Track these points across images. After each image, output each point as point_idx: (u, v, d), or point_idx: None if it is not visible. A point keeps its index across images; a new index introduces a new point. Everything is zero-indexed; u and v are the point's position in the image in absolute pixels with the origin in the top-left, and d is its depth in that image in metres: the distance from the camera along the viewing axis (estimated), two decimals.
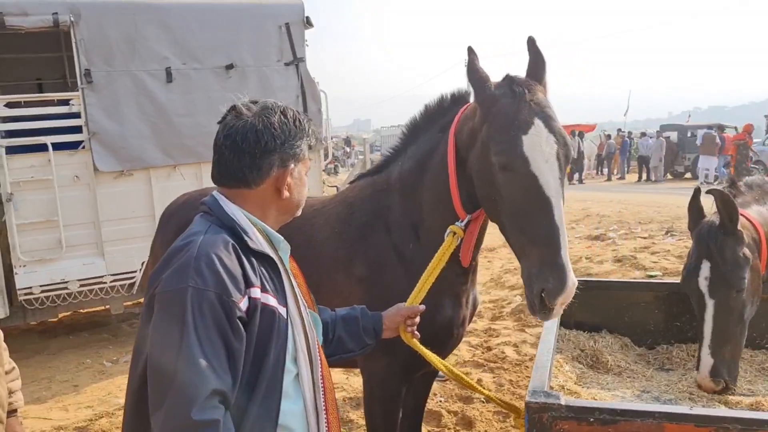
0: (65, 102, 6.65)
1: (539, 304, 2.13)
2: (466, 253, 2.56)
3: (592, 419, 1.74)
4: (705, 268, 2.83)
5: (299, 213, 1.92)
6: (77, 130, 6.57)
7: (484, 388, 5.23)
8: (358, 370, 3.16)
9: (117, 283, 6.73)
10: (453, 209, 2.55)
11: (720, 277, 2.79)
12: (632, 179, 25.99)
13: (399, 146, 2.89)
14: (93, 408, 5.45)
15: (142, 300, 5.74)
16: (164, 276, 1.58)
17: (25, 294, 6.41)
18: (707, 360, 2.73)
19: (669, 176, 25.32)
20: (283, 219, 1.86)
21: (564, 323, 3.35)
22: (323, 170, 8.99)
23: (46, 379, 6.19)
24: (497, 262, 10.22)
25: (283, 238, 1.85)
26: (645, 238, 10.44)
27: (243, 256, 1.65)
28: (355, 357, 2.27)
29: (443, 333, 2.77)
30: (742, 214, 2.98)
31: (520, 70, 2.38)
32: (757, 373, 3.02)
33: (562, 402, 1.76)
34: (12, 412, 2.06)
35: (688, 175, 24.64)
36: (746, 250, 2.81)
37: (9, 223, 6.32)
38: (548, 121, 2.20)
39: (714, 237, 2.82)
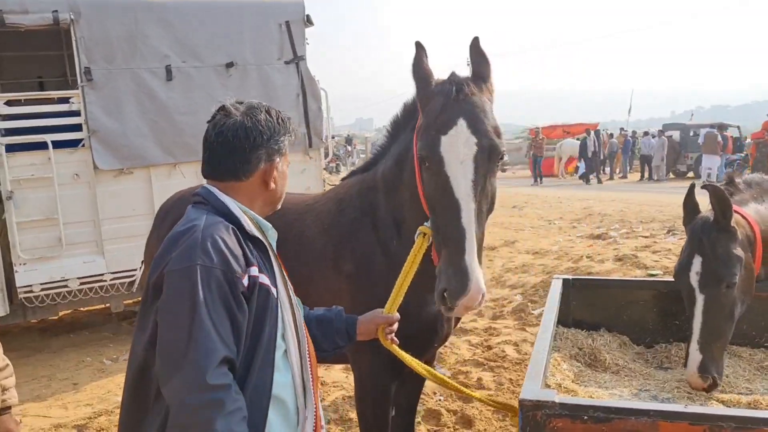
0: (65, 100, 6.65)
1: (440, 302, 2.14)
2: (436, 254, 2.52)
3: (586, 417, 1.72)
4: (696, 263, 2.83)
5: (279, 206, 2.03)
6: (77, 128, 6.58)
7: (474, 390, 5.26)
8: None
9: (117, 282, 6.73)
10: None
11: (711, 273, 2.78)
12: (635, 178, 25.95)
13: (384, 144, 2.94)
14: (92, 406, 5.45)
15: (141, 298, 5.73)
16: (172, 256, 1.69)
17: (26, 292, 6.42)
18: (695, 356, 2.72)
19: (671, 175, 25.28)
20: (265, 210, 1.98)
21: (562, 321, 3.34)
22: (324, 169, 8.98)
23: (45, 377, 6.20)
24: (498, 261, 10.21)
25: (270, 225, 1.97)
26: (646, 237, 10.42)
27: (241, 239, 1.80)
28: (327, 357, 2.30)
29: (428, 330, 2.80)
30: (737, 212, 2.97)
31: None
32: (755, 372, 3.00)
33: (556, 400, 1.75)
34: (5, 409, 2.06)
35: (691, 174, 24.59)
36: (739, 247, 2.80)
37: (9, 221, 6.33)
38: (473, 121, 2.18)
39: (707, 232, 2.82)
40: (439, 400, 5.09)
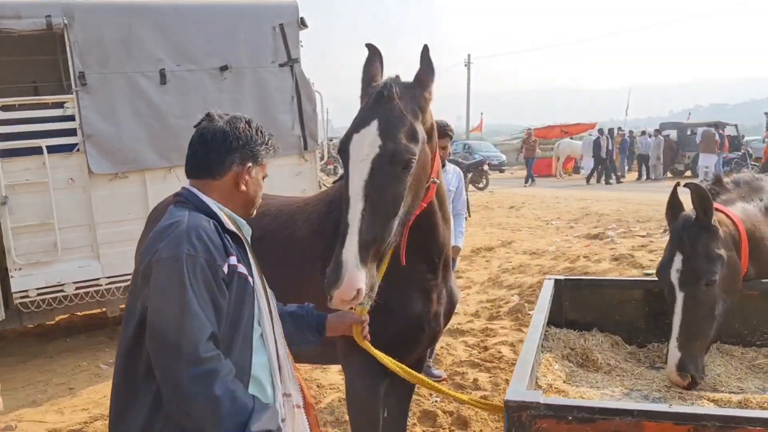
0: (60, 105, 6.64)
1: (326, 289, 2.17)
2: (401, 252, 2.55)
3: (570, 418, 1.72)
4: (677, 261, 2.86)
5: (254, 213, 2.20)
6: (72, 132, 6.56)
7: (470, 391, 5.25)
8: None
9: (113, 286, 6.72)
10: None
11: (691, 271, 2.81)
12: (632, 178, 25.96)
13: None
14: (88, 411, 5.44)
15: None
16: (160, 246, 1.86)
17: (21, 297, 6.41)
18: (675, 353, 2.74)
19: (669, 174, 25.27)
20: (240, 213, 2.14)
21: (554, 322, 3.34)
22: (321, 171, 8.98)
23: (42, 382, 6.19)
24: (495, 261, 10.21)
25: (245, 222, 2.16)
26: (643, 236, 10.43)
27: (221, 232, 1.99)
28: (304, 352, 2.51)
29: (415, 326, 2.82)
30: (722, 211, 3.00)
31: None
32: (747, 371, 3.00)
33: (541, 401, 1.75)
34: None
35: (689, 173, 24.59)
36: (721, 246, 2.82)
37: (4, 226, 6.32)
38: (385, 125, 2.22)
39: (688, 231, 2.85)
40: (435, 401, 5.09)
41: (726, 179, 3.34)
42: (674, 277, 2.86)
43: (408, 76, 2.45)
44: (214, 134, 2.05)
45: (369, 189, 2.18)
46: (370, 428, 2.97)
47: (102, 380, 6.11)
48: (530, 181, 25.08)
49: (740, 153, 23.91)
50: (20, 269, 6.38)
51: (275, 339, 2.10)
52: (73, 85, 6.52)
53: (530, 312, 7.18)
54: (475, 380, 5.53)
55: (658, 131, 26.12)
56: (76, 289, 6.60)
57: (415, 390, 5.29)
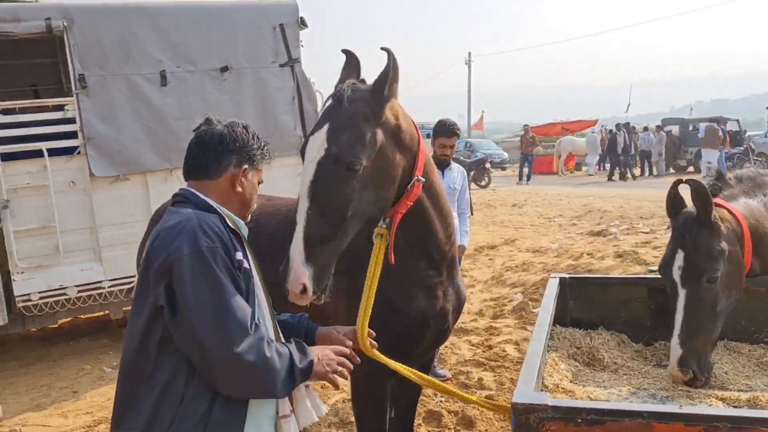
0: (60, 108, 6.62)
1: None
2: (390, 252, 2.55)
3: (579, 420, 1.70)
4: (679, 258, 2.85)
5: (248, 217, 2.24)
6: (72, 135, 6.55)
7: (474, 390, 5.23)
8: None
9: (115, 288, 6.71)
10: None
11: (692, 267, 2.80)
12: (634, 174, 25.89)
13: None
14: (92, 414, 5.43)
15: None
16: (176, 244, 1.89)
17: (24, 301, 6.39)
18: (676, 350, 2.73)
19: (672, 170, 25.20)
20: (237, 214, 2.16)
21: (560, 321, 3.31)
22: None
23: (45, 386, 6.18)
24: (498, 259, 10.19)
25: (243, 222, 2.19)
26: (646, 233, 10.40)
27: (227, 227, 2.05)
28: None
29: (420, 324, 2.83)
30: (723, 206, 2.98)
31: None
32: (755, 368, 2.97)
33: (549, 403, 1.72)
34: None
35: (691, 168, 24.54)
36: (723, 242, 2.80)
37: (6, 230, 6.30)
38: (334, 130, 2.28)
39: (689, 227, 2.84)
40: (440, 401, 5.07)
41: (729, 175, 3.32)
42: (676, 274, 2.85)
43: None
44: (211, 136, 2.12)
45: (314, 189, 2.24)
46: (377, 427, 2.98)
47: (106, 383, 6.09)
48: (525, 178, 24.87)
49: (742, 148, 23.82)
50: (22, 273, 6.37)
51: (275, 332, 2.16)
52: (74, 87, 6.50)
53: (534, 310, 7.16)
54: (480, 379, 5.50)
55: (660, 127, 26.04)
56: (79, 292, 6.58)
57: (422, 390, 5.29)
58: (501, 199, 18.67)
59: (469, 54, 52.24)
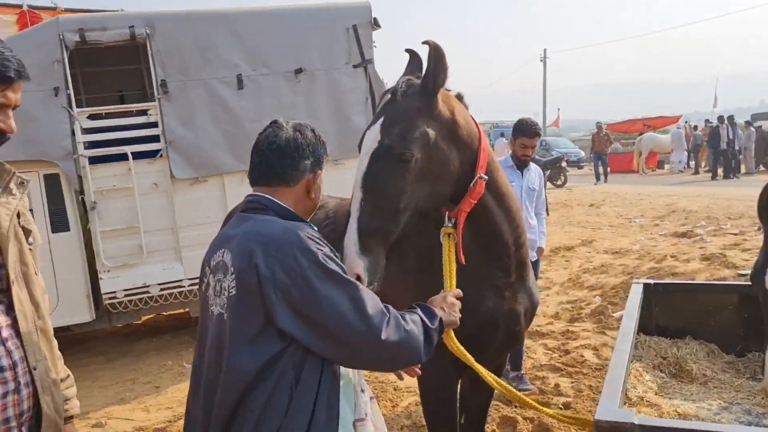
0: (143, 112, 6.89)
1: None
2: (459, 252, 2.55)
3: None
4: None
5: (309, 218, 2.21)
6: (155, 139, 6.79)
7: (551, 397, 5.06)
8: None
9: (195, 287, 6.89)
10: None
11: None
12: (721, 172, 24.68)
13: None
14: (173, 409, 5.59)
15: None
16: (290, 260, 1.84)
17: (110, 298, 6.67)
18: None
19: (762, 168, 23.88)
20: (303, 215, 2.13)
21: (644, 329, 3.15)
22: None
23: (129, 381, 6.42)
24: (575, 261, 9.90)
25: (316, 228, 2.16)
26: (735, 234, 9.87)
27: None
28: None
29: (486, 325, 2.80)
30: None
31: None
32: None
33: (636, 421, 1.61)
34: (68, 419, 2.11)
35: None
36: None
37: (93, 231, 6.60)
38: (387, 123, 2.31)
39: None
40: (515, 407, 4.94)
41: None
42: None
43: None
44: (286, 141, 2.06)
45: (367, 181, 2.27)
46: (445, 428, 2.96)
47: (186, 379, 6.25)
48: (602, 178, 23.97)
49: None
50: (108, 271, 6.65)
51: None
52: (156, 92, 6.74)
53: (614, 314, 6.91)
54: (557, 385, 5.34)
55: (749, 123, 24.73)
56: (161, 290, 6.82)
57: (495, 395, 5.17)
58: (577, 199, 18.17)
59: (545, 51, 51.18)
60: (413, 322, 2.01)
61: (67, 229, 6.69)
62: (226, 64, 6.92)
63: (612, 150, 27.29)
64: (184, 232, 6.82)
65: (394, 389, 5.51)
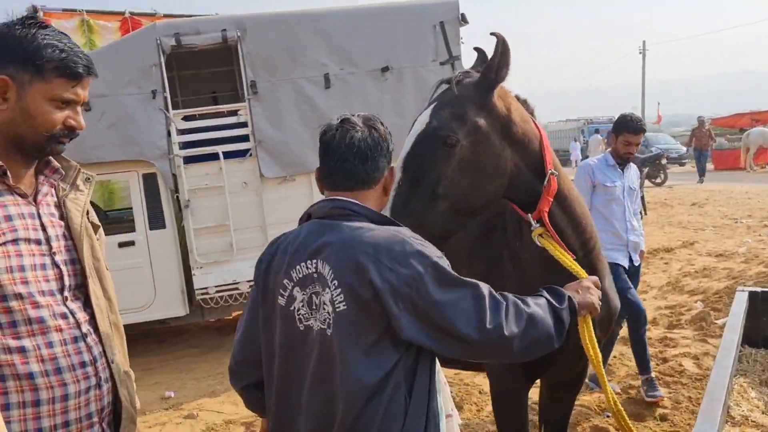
0: (234, 113, 7.07)
1: None
2: (561, 246, 2.47)
3: None
4: None
5: None
6: (245, 139, 6.96)
7: (646, 407, 4.77)
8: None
9: None
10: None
11: None
12: None
13: None
14: None
15: None
16: (407, 269, 1.75)
17: (202, 294, 6.89)
18: None
19: None
20: None
21: (750, 341, 2.90)
22: None
23: (220, 374, 6.59)
24: (675, 264, 9.38)
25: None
26: None
27: None
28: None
29: None
30: None
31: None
32: None
33: None
34: None
35: None
36: None
37: (187, 228, 6.85)
38: (439, 107, 2.29)
39: None
40: (607, 417, 4.71)
41: None
42: None
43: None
44: (365, 142, 1.93)
45: (408, 161, 2.22)
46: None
47: None
48: (700, 176, 22.54)
49: None
50: (201, 267, 6.87)
51: None
52: (246, 93, 6.90)
53: (717, 321, 6.48)
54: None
55: None
56: (250, 287, 6.95)
57: (586, 403, 4.95)
58: (679, 198, 17.28)
59: (644, 43, 49.10)
60: (537, 305, 1.94)
61: (163, 226, 6.97)
62: (313, 64, 6.99)
63: (717, 146, 25.79)
64: (272, 230, 6.94)
65: (480, 392, 5.38)
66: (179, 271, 7.05)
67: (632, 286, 5.04)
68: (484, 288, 1.85)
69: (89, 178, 2.03)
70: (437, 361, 2.01)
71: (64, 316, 1.78)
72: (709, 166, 23.54)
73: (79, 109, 1.82)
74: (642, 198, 5.67)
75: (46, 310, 1.73)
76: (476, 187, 2.30)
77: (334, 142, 1.94)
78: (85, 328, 1.84)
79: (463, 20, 7.31)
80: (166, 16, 9.43)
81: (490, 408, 5.09)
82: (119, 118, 6.67)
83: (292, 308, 1.88)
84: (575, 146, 32.51)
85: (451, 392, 5.40)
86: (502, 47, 2.25)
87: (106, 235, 6.31)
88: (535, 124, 2.49)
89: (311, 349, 1.84)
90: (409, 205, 2.17)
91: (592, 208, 5.00)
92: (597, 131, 30.00)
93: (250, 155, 6.96)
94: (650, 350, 6.08)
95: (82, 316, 1.84)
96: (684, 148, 29.75)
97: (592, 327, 2.29)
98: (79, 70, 1.77)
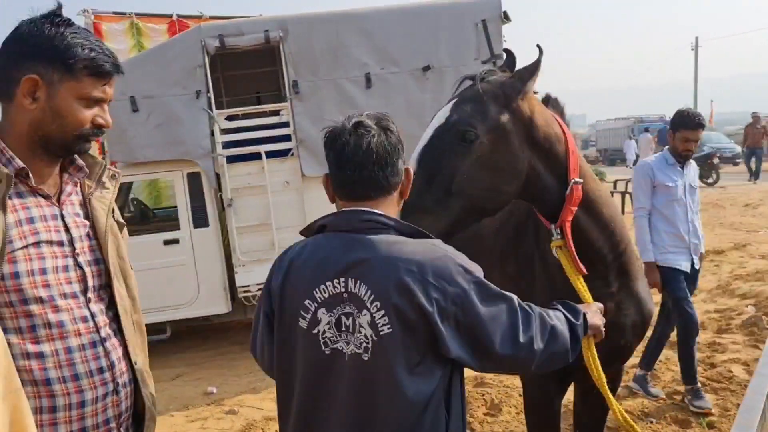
0: (276, 112, 7.14)
1: None
2: (576, 263, 2.41)
3: None
4: None
5: None
6: (287, 138, 7.02)
7: (690, 414, 4.62)
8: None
9: None
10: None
11: None
12: None
13: None
14: None
15: None
16: (453, 287, 1.69)
17: (244, 291, 6.99)
18: None
19: None
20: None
21: None
22: None
23: (261, 371, 6.63)
24: (725, 266, 9.10)
25: None
26: None
27: None
28: None
29: None
30: None
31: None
32: None
33: None
34: None
35: None
36: None
37: (230, 227, 6.95)
38: (459, 102, 2.24)
39: None
40: (651, 422, 4.60)
41: None
42: None
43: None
44: (383, 147, 1.78)
45: (424, 155, 2.18)
46: None
47: None
48: (753, 177, 21.29)
49: None
50: (243, 266, 6.96)
51: None
52: (288, 93, 6.97)
53: None
54: None
55: None
56: None
57: (628, 408, 4.83)
58: (731, 198, 16.74)
59: (696, 39, 47.75)
60: (557, 318, 1.90)
61: (206, 225, 7.09)
62: (354, 63, 7.01)
63: None
64: None
65: (519, 395, 5.30)
66: (222, 269, 7.17)
67: (689, 295, 4.87)
68: (515, 300, 1.81)
69: (115, 175, 1.99)
70: None
71: (84, 320, 1.77)
72: (766, 165, 22.60)
73: (106, 107, 1.81)
74: None
75: (66, 313, 1.73)
76: (491, 189, 2.25)
77: (349, 149, 1.79)
78: (104, 332, 1.82)
79: (506, 18, 7.22)
80: (212, 18, 9.58)
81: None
82: (165, 118, 6.81)
83: (315, 331, 1.76)
84: (630, 145, 31.21)
85: (491, 394, 5.37)
86: (540, 60, 2.24)
87: (152, 233, 6.47)
88: (562, 127, 2.42)
89: (341, 375, 1.74)
90: (422, 200, 2.12)
91: (652, 210, 4.88)
92: (647, 130, 29.31)
93: (292, 154, 7.01)
94: (698, 355, 5.91)
95: (102, 319, 1.83)
96: (738, 148, 28.73)
97: (594, 347, 2.29)
98: (109, 69, 1.76)
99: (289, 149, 7.03)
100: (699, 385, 4.96)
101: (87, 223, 1.86)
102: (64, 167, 1.86)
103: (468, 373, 1.97)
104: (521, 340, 1.76)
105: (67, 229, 1.79)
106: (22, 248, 1.66)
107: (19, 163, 1.69)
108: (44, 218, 1.74)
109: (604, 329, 2.12)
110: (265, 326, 1.94)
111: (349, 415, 1.73)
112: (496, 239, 3.00)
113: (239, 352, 7.38)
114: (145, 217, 8.37)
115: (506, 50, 2.58)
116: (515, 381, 5.52)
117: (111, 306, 1.90)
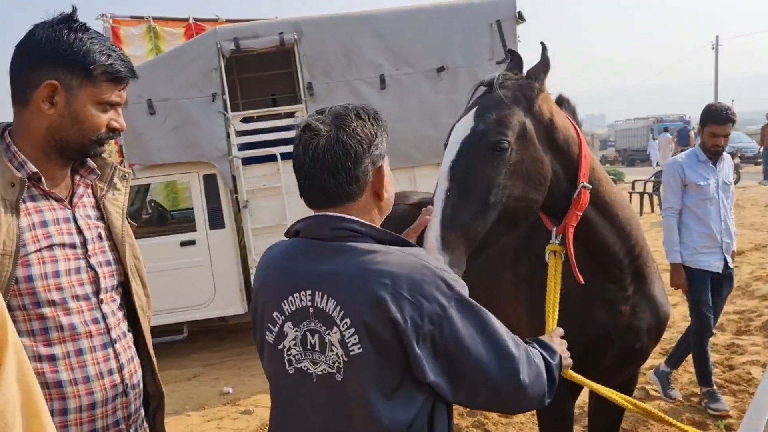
0: (291, 114, 7.17)
1: None
2: (575, 271, 2.34)
3: None
4: None
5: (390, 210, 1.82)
6: None
7: (709, 417, 4.58)
8: None
9: None
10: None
11: None
12: None
13: None
14: None
15: None
16: (430, 297, 1.52)
17: None
18: None
19: None
20: (379, 220, 1.75)
21: None
22: None
23: None
24: (745, 267, 9.00)
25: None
26: None
27: None
28: None
29: (597, 338, 2.60)
30: None
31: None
32: None
33: None
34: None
35: None
36: None
37: (245, 228, 7.00)
38: (482, 110, 2.15)
39: None
40: (666, 429, 4.54)
41: None
42: None
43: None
44: (331, 151, 1.59)
45: (455, 170, 2.07)
46: None
47: None
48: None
49: None
50: None
51: None
52: (302, 95, 6.99)
53: None
54: None
55: None
56: None
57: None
58: (752, 198, 16.54)
59: (717, 38, 47.19)
60: (536, 356, 1.72)
61: (222, 226, 7.14)
62: (369, 65, 7.02)
63: None
64: None
65: None
66: (238, 270, 7.21)
67: (710, 299, 4.80)
68: (501, 326, 1.64)
69: (125, 176, 2.00)
70: None
71: (95, 321, 1.79)
72: None
73: (120, 110, 1.82)
74: None
75: (78, 316, 1.74)
76: (522, 197, 2.16)
77: (299, 155, 1.65)
78: (115, 333, 1.84)
79: (520, 18, 7.19)
80: (228, 21, 9.64)
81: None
82: (182, 120, 6.88)
83: (281, 347, 1.63)
84: (654, 145, 30.64)
85: None
86: (544, 55, 2.23)
87: (169, 234, 6.55)
88: (576, 128, 2.38)
89: (309, 396, 1.61)
90: (460, 217, 2.02)
91: (684, 208, 4.79)
92: (666, 130, 29.05)
93: None
94: (716, 357, 5.87)
95: (113, 320, 1.84)
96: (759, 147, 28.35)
97: (573, 373, 2.17)
98: (125, 74, 1.78)
99: None
100: (715, 387, 4.90)
101: (99, 224, 1.88)
102: (74, 169, 1.87)
103: None
104: (505, 370, 1.59)
105: (79, 232, 1.80)
106: (35, 252, 1.67)
107: (32, 167, 1.70)
108: (57, 221, 1.75)
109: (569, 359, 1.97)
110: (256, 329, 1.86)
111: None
112: (509, 240, 2.92)
113: (255, 352, 7.32)
114: (162, 219, 8.45)
115: (511, 51, 2.55)
116: None
117: (122, 306, 1.92)
